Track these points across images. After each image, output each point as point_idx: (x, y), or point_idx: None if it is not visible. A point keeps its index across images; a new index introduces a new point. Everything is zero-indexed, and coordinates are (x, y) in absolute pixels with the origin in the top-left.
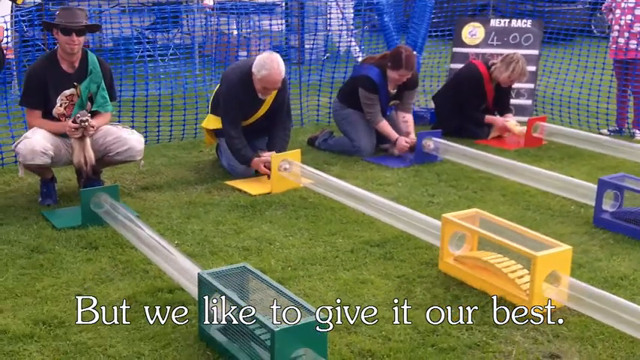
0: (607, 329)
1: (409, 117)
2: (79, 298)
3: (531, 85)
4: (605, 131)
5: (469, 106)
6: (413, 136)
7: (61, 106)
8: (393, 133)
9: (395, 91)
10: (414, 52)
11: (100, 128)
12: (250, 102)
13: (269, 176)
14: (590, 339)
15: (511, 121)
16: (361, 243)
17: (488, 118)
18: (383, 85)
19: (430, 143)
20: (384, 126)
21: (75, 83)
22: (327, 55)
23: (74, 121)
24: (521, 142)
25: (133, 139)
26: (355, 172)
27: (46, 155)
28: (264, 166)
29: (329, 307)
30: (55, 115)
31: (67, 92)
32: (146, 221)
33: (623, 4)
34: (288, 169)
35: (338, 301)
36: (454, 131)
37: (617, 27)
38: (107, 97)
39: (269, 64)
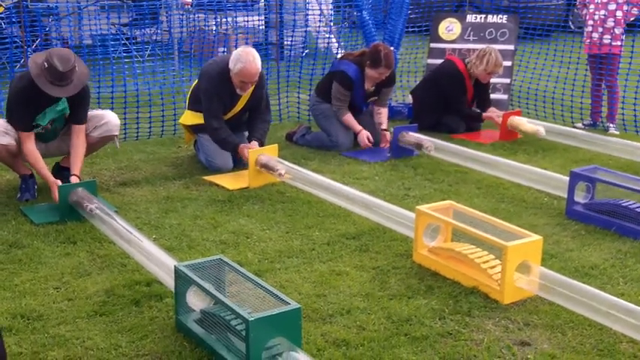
0: (577, 317)
1: (383, 110)
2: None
3: (507, 80)
4: (579, 125)
5: (462, 103)
6: (385, 126)
7: (42, 129)
8: (357, 126)
9: (373, 88)
10: (392, 48)
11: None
12: (228, 97)
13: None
14: (560, 327)
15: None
16: (337, 236)
17: (486, 115)
18: (359, 82)
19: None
20: (349, 118)
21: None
22: (307, 51)
23: None
24: (496, 136)
25: (108, 114)
26: (332, 166)
27: (8, 135)
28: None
29: (305, 299)
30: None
31: None
32: (124, 216)
33: (597, 0)
34: (283, 175)
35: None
36: (431, 126)
37: (591, 22)
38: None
39: (244, 57)
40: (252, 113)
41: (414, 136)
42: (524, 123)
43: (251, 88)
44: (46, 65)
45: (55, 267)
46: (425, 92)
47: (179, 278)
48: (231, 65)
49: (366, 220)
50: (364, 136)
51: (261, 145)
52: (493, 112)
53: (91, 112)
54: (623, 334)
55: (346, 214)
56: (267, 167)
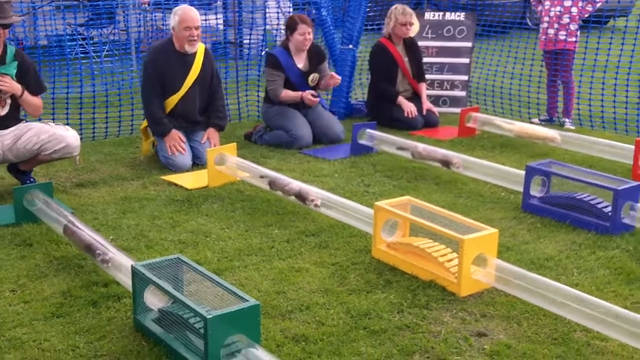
0: (532, 308)
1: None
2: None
3: (465, 77)
4: (536, 120)
5: (379, 78)
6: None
7: None
8: (297, 93)
9: (303, 65)
10: (350, 46)
11: (32, 126)
12: (178, 63)
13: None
14: (516, 317)
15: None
16: (297, 233)
17: (400, 99)
18: (288, 61)
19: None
20: (287, 93)
21: None
22: (266, 50)
23: None
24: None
25: (69, 136)
26: (292, 164)
27: None
28: (179, 139)
29: (264, 296)
30: None
31: None
32: (81, 217)
33: None
34: (318, 205)
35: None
36: (386, 120)
37: (546, 18)
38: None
39: (180, 7)
40: (209, 93)
41: (440, 152)
42: (539, 129)
43: (201, 52)
44: None
45: (10, 270)
46: (370, 86)
47: (136, 278)
48: (172, 24)
49: (326, 217)
50: (307, 94)
51: (221, 129)
52: (423, 98)
53: (49, 131)
54: (577, 323)
55: (305, 211)
56: (300, 197)
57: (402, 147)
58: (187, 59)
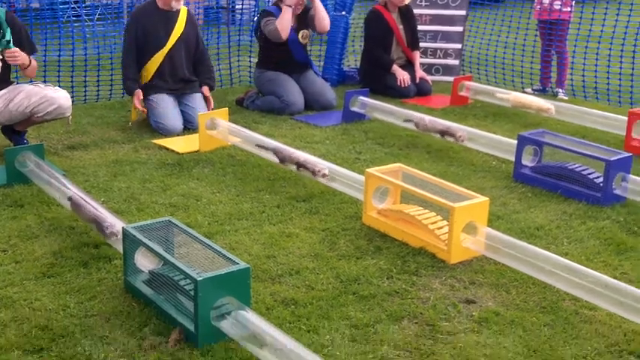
0: (521, 276)
1: None
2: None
3: (458, 46)
4: (529, 90)
5: (374, 45)
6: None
7: None
8: (283, 13)
9: (294, 23)
10: (343, 12)
11: (22, 89)
12: (161, 22)
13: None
14: (505, 285)
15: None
16: (288, 199)
17: (394, 67)
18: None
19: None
20: (276, 22)
21: None
22: (258, 15)
23: None
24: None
25: (60, 97)
26: (284, 130)
27: None
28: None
29: (254, 259)
30: None
31: None
32: (72, 179)
33: None
34: (327, 175)
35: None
36: (379, 87)
37: None
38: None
39: None
40: (197, 64)
41: (442, 124)
42: (533, 100)
43: (183, 10)
44: None
45: (2, 230)
46: (363, 53)
47: (127, 239)
48: None
49: (317, 183)
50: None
51: (212, 88)
52: (417, 66)
53: (40, 93)
54: (566, 292)
55: (296, 177)
56: (304, 166)
57: (407, 118)
58: (170, 16)
